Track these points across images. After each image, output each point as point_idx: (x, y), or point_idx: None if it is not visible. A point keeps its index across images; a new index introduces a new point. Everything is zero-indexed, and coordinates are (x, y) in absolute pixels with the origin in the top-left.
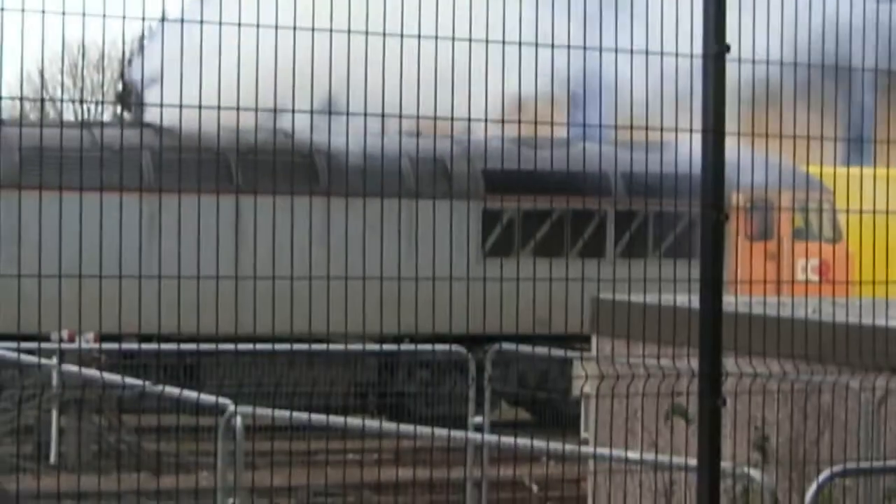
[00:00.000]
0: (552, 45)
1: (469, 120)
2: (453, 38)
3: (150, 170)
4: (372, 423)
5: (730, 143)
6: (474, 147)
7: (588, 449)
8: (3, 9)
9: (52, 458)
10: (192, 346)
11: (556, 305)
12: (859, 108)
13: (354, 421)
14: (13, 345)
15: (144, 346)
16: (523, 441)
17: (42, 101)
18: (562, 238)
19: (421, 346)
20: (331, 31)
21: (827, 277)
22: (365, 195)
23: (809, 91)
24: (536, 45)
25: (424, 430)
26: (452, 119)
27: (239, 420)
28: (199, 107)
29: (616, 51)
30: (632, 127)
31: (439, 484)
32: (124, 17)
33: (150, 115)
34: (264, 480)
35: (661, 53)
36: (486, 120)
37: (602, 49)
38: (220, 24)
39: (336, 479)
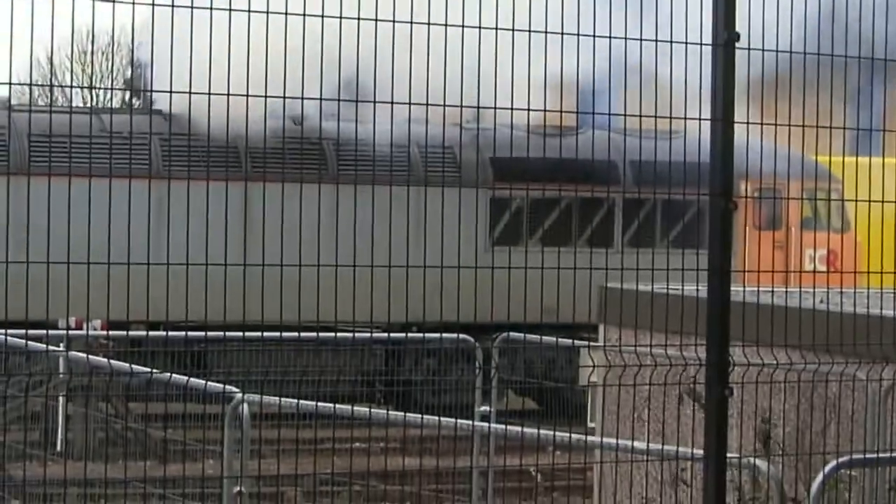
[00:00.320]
0: (562, 33)
1: (478, 108)
2: (462, 26)
3: (158, 156)
4: (378, 412)
5: (738, 132)
6: (483, 135)
7: (595, 438)
8: None
9: (59, 446)
10: (199, 334)
11: (564, 294)
12: (868, 97)
13: (361, 409)
14: (21, 332)
15: (152, 333)
16: (530, 430)
17: (51, 86)
18: (570, 227)
19: (428, 335)
20: (340, 17)
21: (835, 267)
22: (374, 183)
23: (818, 80)
24: (546, 33)
25: (431, 418)
26: (462, 106)
27: (246, 408)
28: (209, 93)
29: (625, 39)
30: (640, 115)
31: (445, 473)
32: (133, 3)
33: (161, 102)
34: (271, 468)
35: (671, 42)
36: (494, 108)
37: (611, 37)
38: (230, 10)
39: (342, 468)
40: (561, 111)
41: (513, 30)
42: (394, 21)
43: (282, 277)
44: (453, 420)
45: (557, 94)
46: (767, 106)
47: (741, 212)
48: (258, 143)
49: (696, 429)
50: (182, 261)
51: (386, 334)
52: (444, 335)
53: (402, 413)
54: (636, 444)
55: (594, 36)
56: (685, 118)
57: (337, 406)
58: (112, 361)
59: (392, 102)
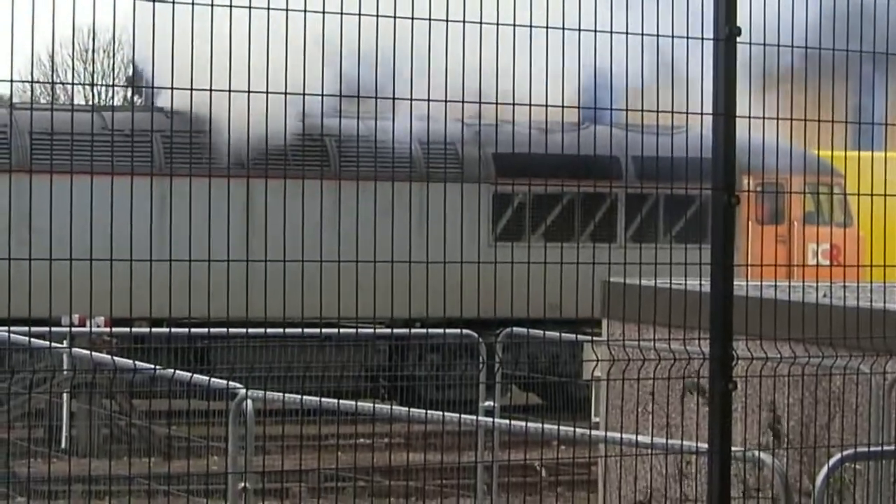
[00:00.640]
0: (563, 28)
1: (479, 103)
2: (463, 21)
3: (161, 153)
4: (382, 408)
5: (741, 126)
6: (485, 131)
7: (598, 433)
8: None
9: (64, 443)
10: (202, 331)
11: (567, 289)
12: (870, 91)
13: (365, 405)
14: (24, 329)
15: (155, 329)
16: (534, 425)
17: (52, 84)
18: (572, 222)
19: (432, 331)
20: (341, 13)
21: (838, 261)
22: (376, 179)
23: (819, 74)
24: (547, 27)
25: (435, 414)
26: (464, 102)
27: (250, 404)
28: (210, 90)
29: (626, 34)
30: (642, 110)
31: (450, 468)
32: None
33: (163, 100)
34: (275, 464)
35: (672, 36)
36: (496, 103)
37: (613, 32)
38: (231, 6)
39: (347, 464)
40: (563, 106)
41: (514, 25)
42: (395, 17)
43: (284, 273)
44: (457, 415)
45: (559, 90)
46: (770, 100)
47: (744, 206)
48: (262, 139)
49: (700, 423)
50: (185, 257)
51: (389, 330)
52: (448, 331)
53: (406, 408)
54: (640, 438)
55: (595, 31)
56: (687, 112)
57: (341, 402)
58: (115, 358)
59: (393, 98)
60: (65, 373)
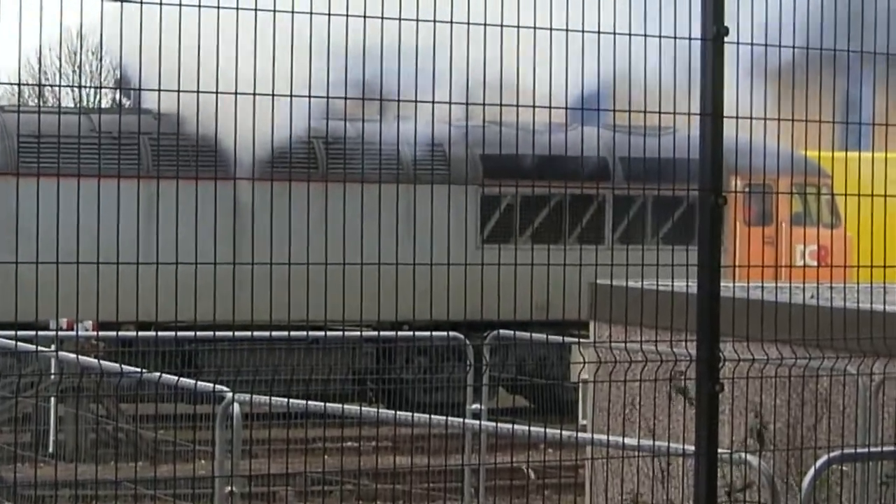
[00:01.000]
0: (550, 28)
1: (467, 104)
2: (451, 22)
3: (148, 156)
4: (369, 411)
5: (728, 127)
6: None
7: (585, 435)
8: None
9: (51, 447)
10: (189, 334)
11: (555, 291)
12: (858, 91)
13: (352, 408)
14: (11, 333)
15: (142, 333)
16: (521, 427)
17: (40, 86)
18: (560, 224)
19: (419, 333)
20: (329, 14)
21: (825, 262)
22: (363, 181)
23: (807, 74)
24: (535, 28)
25: (422, 417)
26: (451, 103)
27: (236, 408)
28: (197, 91)
29: (614, 34)
30: (630, 111)
31: (437, 471)
32: (122, 0)
33: (152, 102)
34: (262, 468)
35: (660, 37)
36: (483, 104)
37: (600, 32)
38: (218, 7)
39: (334, 467)
40: (550, 107)
41: (501, 26)
42: (381, 17)
43: (271, 276)
44: (444, 418)
45: (547, 91)
46: (758, 100)
47: (731, 207)
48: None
49: (687, 424)
50: (172, 260)
51: (376, 333)
52: (435, 333)
53: (393, 412)
54: (627, 440)
55: (582, 31)
56: (674, 113)
57: (327, 405)
58: (102, 362)
59: (381, 100)
60: (52, 377)
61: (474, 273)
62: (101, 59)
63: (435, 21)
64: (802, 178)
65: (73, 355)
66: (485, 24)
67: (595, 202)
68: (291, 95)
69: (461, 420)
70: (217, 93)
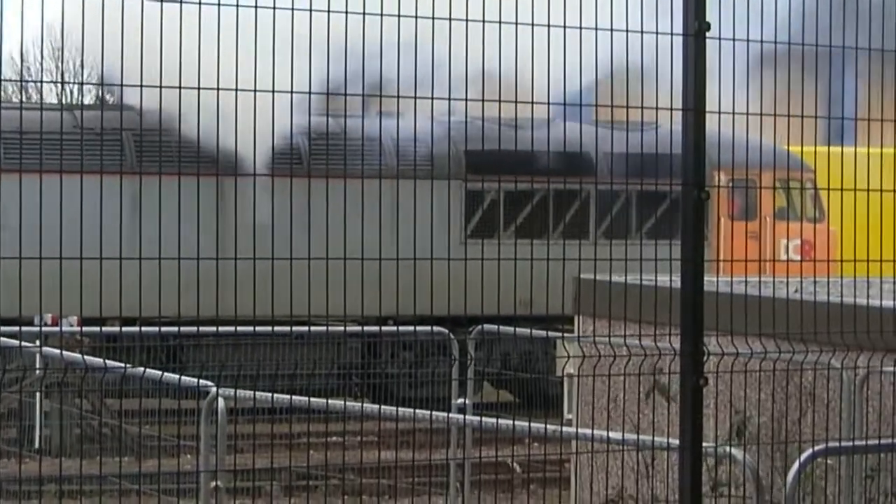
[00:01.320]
0: (532, 24)
1: (449, 99)
2: (433, 18)
3: (132, 152)
4: (354, 405)
5: (711, 122)
6: (455, 127)
7: (570, 429)
8: None
9: (37, 443)
10: (173, 329)
11: (539, 286)
12: (840, 87)
13: (336, 403)
14: None
15: (126, 329)
16: (505, 422)
17: (21, 82)
18: (544, 219)
19: (403, 328)
20: (310, 10)
21: (809, 256)
22: (346, 176)
23: (789, 70)
24: (516, 24)
25: (406, 411)
26: (433, 99)
27: (221, 403)
28: (179, 87)
29: (596, 29)
30: (612, 105)
31: (422, 465)
32: None
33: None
34: (247, 463)
35: (641, 32)
36: (466, 99)
37: (582, 28)
38: (200, 3)
39: (319, 462)
40: (532, 102)
41: (482, 21)
42: (363, 14)
43: (255, 271)
44: (429, 413)
45: (528, 86)
46: (741, 96)
47: (714, 202)
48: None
49: (672, 419)
50: (156, 256)
51: (360, 328)
52: (419, 328)
53: (378, 406)
54: (611, 434)
55: (564, 27)
56: (657, 108)
57: (312, 400)
58: (86, 357)
59: (363, 95)
60: (37, 372)
61: (459, 268)
62: (83, 56)
63: (417, 17)
64: (785, 173)
65: (57, 351)
66: (466, 20)
67: (579, 197)
68: (273, 91)
69: (446, 414)
70: (199, 88)
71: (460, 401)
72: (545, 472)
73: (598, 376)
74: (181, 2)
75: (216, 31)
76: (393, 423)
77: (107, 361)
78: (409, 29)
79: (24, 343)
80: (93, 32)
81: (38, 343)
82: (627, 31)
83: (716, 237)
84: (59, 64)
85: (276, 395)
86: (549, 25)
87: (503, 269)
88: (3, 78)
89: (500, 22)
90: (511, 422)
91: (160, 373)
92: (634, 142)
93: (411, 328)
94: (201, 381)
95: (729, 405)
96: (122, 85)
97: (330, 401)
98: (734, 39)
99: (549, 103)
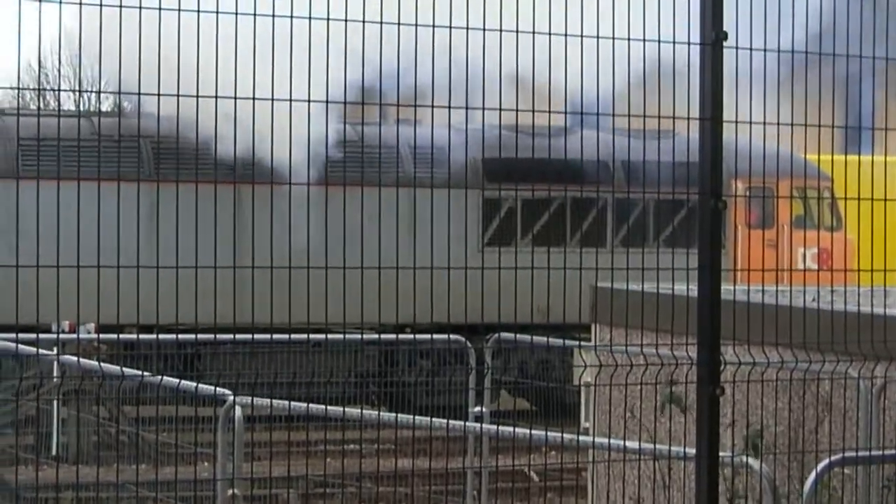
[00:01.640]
0: (549, 34)
1: (466, 108)
2: (450, 27)
3: (150, 159)
4: (371, 413)
5: (729, 130)
6: (473, 135)
7: (587, 438)
8: None
9: (54, 450)
10: (190, 337)
11: (556, 294)
12: (858, 96)
13: (353, 411)
14: (12, 336)
15: (143, 336)
16: (523, 431)
17: (39, 90)
18: (561, 227)
19: (419, 336)
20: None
21: (827, 265)
22: (362, 184)
23: (806, 77)
24: (534, 33)
25: (423, 419)
26: (450, 107)
27: (238, 410)
28: (197, 96)
29: (613, 39)
30: (629, 115)
31: (439, 474)
32: (121, 7)
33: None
34: (264, 471)
35: (659, 41)
36: (482, 108)
37: (599, 37)
38: (217, 12)
39: (336, 470)
40: (549, 111)
41: (500, 30)
42: (381, 22)
43: (272, 279)
44: (446, 421)
45: (546, 95)
46: (759, 104)
47: (732, 210)
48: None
49: (689, 428)
50: (173, 264)
51: (377, 335)
52: (436, 336)
53: (395, 414)
54: (628, 443)
55: (581, 36)
56: (674, 117)
57: (329, 407)
58: (103, 365)
59: (381, 104)
60: (54, 380)
61: (476, 276)
62: (100, 63)
63: (434, 26)
64: (803, 182)
65: (74, 358)
66: (483, 30)
67: (596, 205)
68: (290, 100)
69: (463, 423)
70: (216, 97)
71: (477, 409)
72: (562, 481)
73: (615, 385)
74: (199, 11)
75: (234, 39)
76: (410, 432)
77: (124, 369)
78: (426, 39)
79: (41, 350)
80: (110, 41)
81: (55, 350)
82: (645, 39)
83: (733, 246)
84: (77, 71)
85: (292, 403)
86: (566, 35)
87: (520, 278)
88: (20, 86)
89: (516, 31)
90: (528, 430)
91: (177, 380)
92: (652, 150)
93: (428, 336)
94: (218, 388)
95: (746, 414)
96: (139, 93)
97: (347, 409)
98: (751, 49)
99: (565, 112)
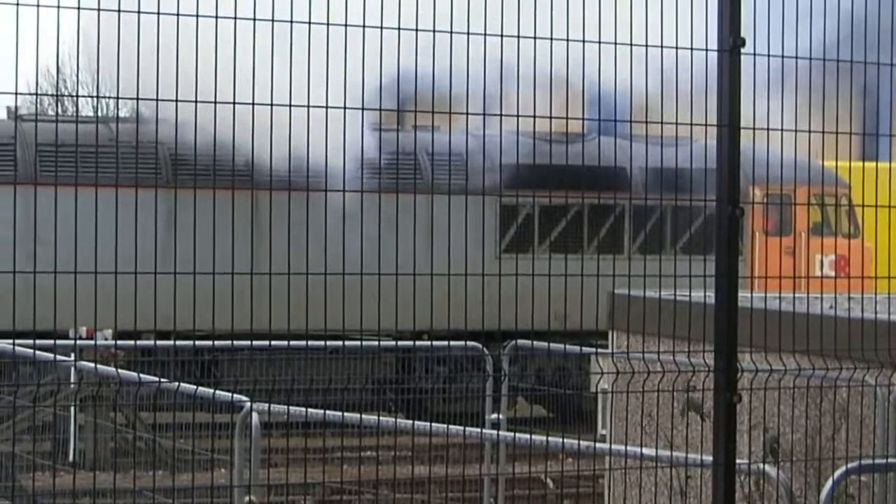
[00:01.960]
0: (567, 40)
1: (483, 115)
2: (468, 34)
3: (168, 165)
4: (387, 420)
5: (747, 137)
6: (490, 142)
7: (603, 445)
8: (18, 3)
9: (71, 456)
10: (207, 343)
11: (573, 301)
12: (876, 103)
13: (370, 417)
14: (29, 342)
15: (160, 342)
16: (540, 437)
17: (57, 96)
18: (579, 234)
19: (436, 343)
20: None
21: (844, 272)
22: (380, 191)
23: (824, 84)
24: (551, 39)
25: (440, 426)
26: (467, 114)
27: (255, 417)
28: (215, 102)
29: (631, 45)
30: (647, 122)
31: (456, 480)
32: (139, 12)
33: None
34: (281, 478)
35: (676, 48)
36: (500, 115)
37: (617, 43)
38: (235, 18)
39: (352, 477)
40: (567, 118)
41: (517, 37)
42: (399, 28)
43: (289, 286)
44: (463, 428)
45: (564, 101)
46: (777, 111)
47: (750, 217)
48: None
49: (706, 435)
50: (191, 270)
51: (394, 342)
52: (453, 343)
53: (411, 421)
54: (645, 450)
55: (599, 42)
56: (691, 124)
57: (345, 414)
58: (121, 371)
59: (399, 111)
60: (71, 386)
61: (493, 283)
62: (118, 68)
63: (451, 32)
64: (821, 189)
65: (91, 364)
66: (501, 35)
67: (614, 212)
68: (308, 106)
69: (480, 430)
70: (234, 103)
71: (494, 416)
72: (578, 488)
73: (632, 392)
74: (217, 17)
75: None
76: (426, 438)
77: (141, 375)
78: (444, 45)
79: (58, 357)
80: (128, 45)
81: (72, 356)
82: (662, 46)
83: (750, 253)
84: (96, 77)
85: (309, 410)
86: (584, 41)
87: (537, 285)
88: (38, 91)
89: (534, 38)
90: (545, 437)
91: (194, 387)
92: (670, 157)
93: (445, 343)
94: (235, 395)
95: (763, 422)
96: (156, 99)
97: (364, 415)
98: (769, 55)
99: (583, 118)
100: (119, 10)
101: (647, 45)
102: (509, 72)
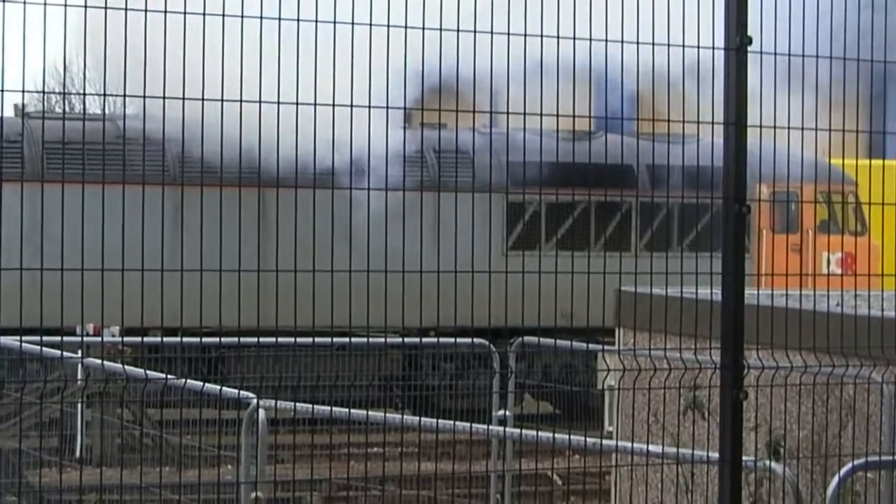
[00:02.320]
0: (574, 38)
1: (490, 112)
2: (474, 31)
3: (175, 162)
4: (394, 417)
5: (754, 135)
6: (497, 138)
7: (610, 442)
8: (25, 1)
9: (78, 452)
10: (214, 340)
11: (580, 298)
12: (882, 100)
13: (377, 414)
14: (36, 338)
15: (167, 339)
16: (546, 434)
17: (64, 94)
18: (586, 231)
19: (443, 340)
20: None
21: (851, 270)
22: (387, 189)
23: (830, 82)
24: (558, 37)
25: (447, 423)
26: (474, 112)
27: (262, 414)
28: (222, 100)
29: (637, 43)
30: (653, 119)
31: (462, 477)
32: (146, 11)
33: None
34: (287, 474)
35: (683, 46)
36: (507, 112)
37: (624, 41)
38: (242, 16)
39: (359, 473)
40: (574, 115)
41: (524, 35)
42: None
43: (296, 283)
44: (469, 424)
45: (571, 99)
46: (784, 109)
47: (756, 215)
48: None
49: (713, 432)
50: (198, 267)
51: (401, 339)
52: (460, 339)
53: (418, 418)
54: (651, 447)
55: (606, 41)
56: (698, 122)
57: (352, 411)
58: (127, 367)
59: (405, 109)
60: (78, 382)
61: (500, 280)
62: (125, 67)
63: (458, 31)
64: (827, 186)
65: (98, 361)
66: (508, 34)
67: (621, 209)
68: (315, 104)
69: (486, 426)
70: (241, 101)
71: (501, 412)
72: (585, 485)
73: (639, 389)
74: (224, 15)
75: (260, 43)
76: (433, 435)
77: (148, 372)
78: (449, 43)
79: (65, 353)
80: (137, 43)
81: (79, 353)
82: (669, 44)
83: (757, 250)
84: (103, 74)
85: (316, 407)
86: (591, 39)
87: (544, 282)
88: (45, 89)
89: (541, 36)
90: (551, 434)
91: (201, 383)
92: (676, 154)
93: (452, 340)
94: (242, 391)
95: (769, 419)
96: (163, 97)
97: (370, 412)
98: (776, 54)
99: (590, 116)
100: (126, 9)
101: (653, 44)
102: (517, 70)
